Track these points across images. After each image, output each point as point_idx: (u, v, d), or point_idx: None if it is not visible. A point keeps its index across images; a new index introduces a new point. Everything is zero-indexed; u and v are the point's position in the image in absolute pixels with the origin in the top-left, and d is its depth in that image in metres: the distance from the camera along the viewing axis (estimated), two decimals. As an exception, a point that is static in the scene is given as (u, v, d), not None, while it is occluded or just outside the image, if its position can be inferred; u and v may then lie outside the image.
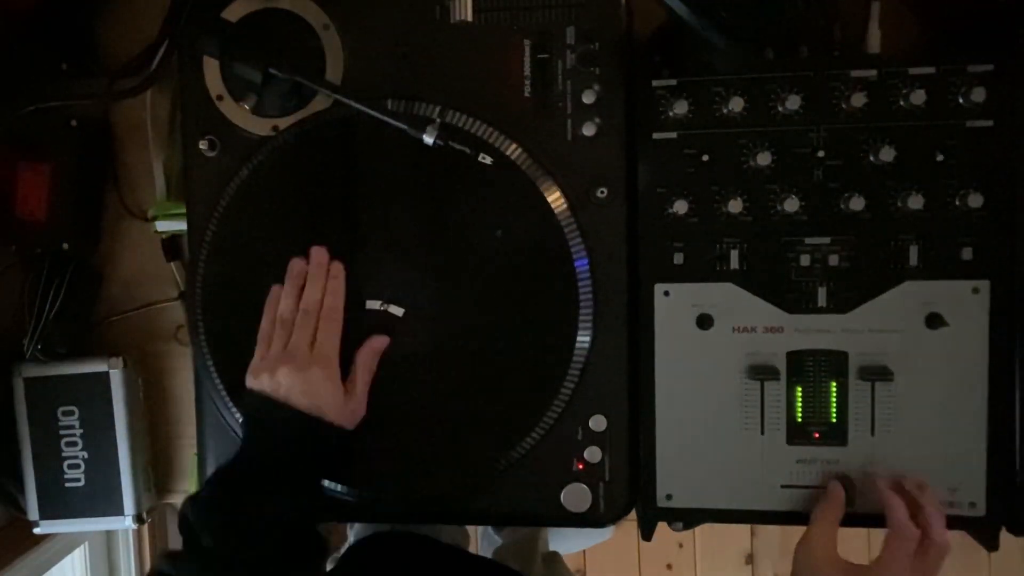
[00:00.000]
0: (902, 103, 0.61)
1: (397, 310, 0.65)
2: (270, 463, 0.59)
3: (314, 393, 0.60)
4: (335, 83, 0.66)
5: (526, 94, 0.65)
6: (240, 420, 0.66)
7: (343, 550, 0.89)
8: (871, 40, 0.67)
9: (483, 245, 0.64)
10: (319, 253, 0.65)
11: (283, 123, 0.67)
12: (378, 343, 0.65)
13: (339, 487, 0.67)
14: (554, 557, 1.23)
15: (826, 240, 0.63)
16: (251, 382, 0.62)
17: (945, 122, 0.61)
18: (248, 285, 0.68)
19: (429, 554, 0.82)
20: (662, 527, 0.66)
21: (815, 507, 0.62)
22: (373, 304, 0.65)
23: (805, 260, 0.63)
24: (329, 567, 0.84)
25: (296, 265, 0.65)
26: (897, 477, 0.61)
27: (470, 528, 1.32)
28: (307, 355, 0.61)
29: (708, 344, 0.64)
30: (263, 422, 0.60)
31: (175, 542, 1.11)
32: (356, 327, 0.64)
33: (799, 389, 0.63)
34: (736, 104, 0.62)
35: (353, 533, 0.93)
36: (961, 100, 0.60)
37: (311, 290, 0.63)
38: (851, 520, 0.62)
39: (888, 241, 0.62)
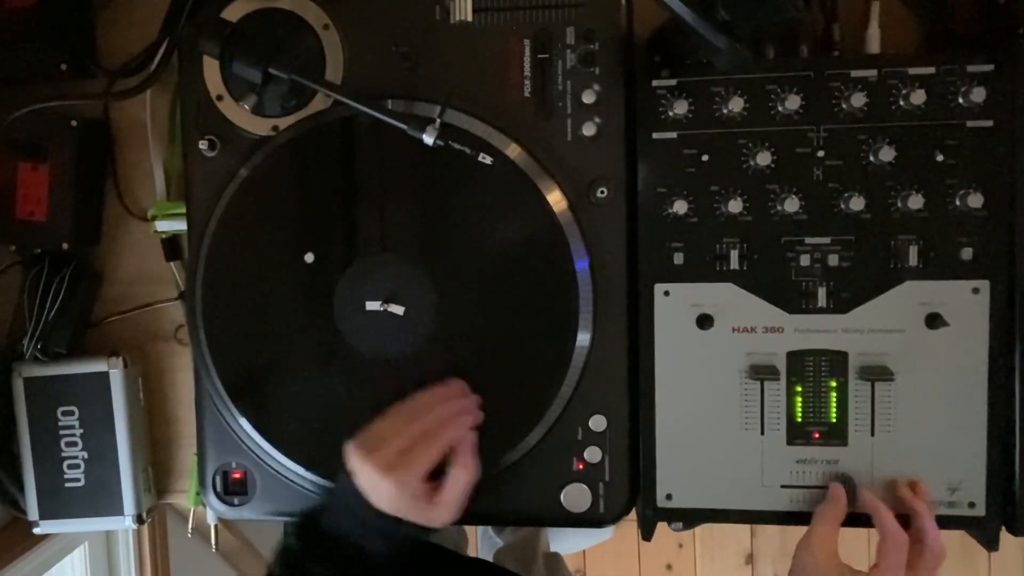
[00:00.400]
0: (902, 103, 0.61)
1: (397, 309, 0.65)
2: (344, 545, 0.58)
3: (385, 499, 0.57)
4: (335, 83, 0.66)
5: (526, 94, 0.65)
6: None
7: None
8: (871, 40, 0.67)
9: (483, 245, 0.64)
10: (472, 397, 0.64)
11: (283, 123, 0.67)
12: (471, 440, 0.61)
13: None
14: (555, 558, 1.24)
15: (826, 240, 0.63)
16: (350, 449, 0.59)
17: (945, 122, 0.61)
18: (248, 285, 0.68)
19: (427, 558, 0.82)
20: (662, 527, 0.66)
21: (816, 509, 0.62)
22: (373, 305, 0.65)
23: (805, 260, 0.63)
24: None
25: (455, 385, 0.64)
26: (889, 482, 0.61)
27: (470, 529, 1.32)
28: (389, 461, 0.57)
29: (708, 344, 0.64)
30: (343, 499, 0.59)
31: (175, 542, 1.11)
32: (363, 338, 0.64)
33: (799, 389, 0.63)
34: (736, 104, 0.62)
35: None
36: (961, 100, 0.61)
37: (442, 408, 0.61)
38: (852, 520, 0.62)
39: (888, 241, 0.62)
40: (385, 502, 0.57)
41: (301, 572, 0.58)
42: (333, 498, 0.61)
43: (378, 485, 0.57)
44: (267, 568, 0.60)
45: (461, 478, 0.59)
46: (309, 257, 0.66)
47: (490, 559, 1.24)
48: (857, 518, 0.62)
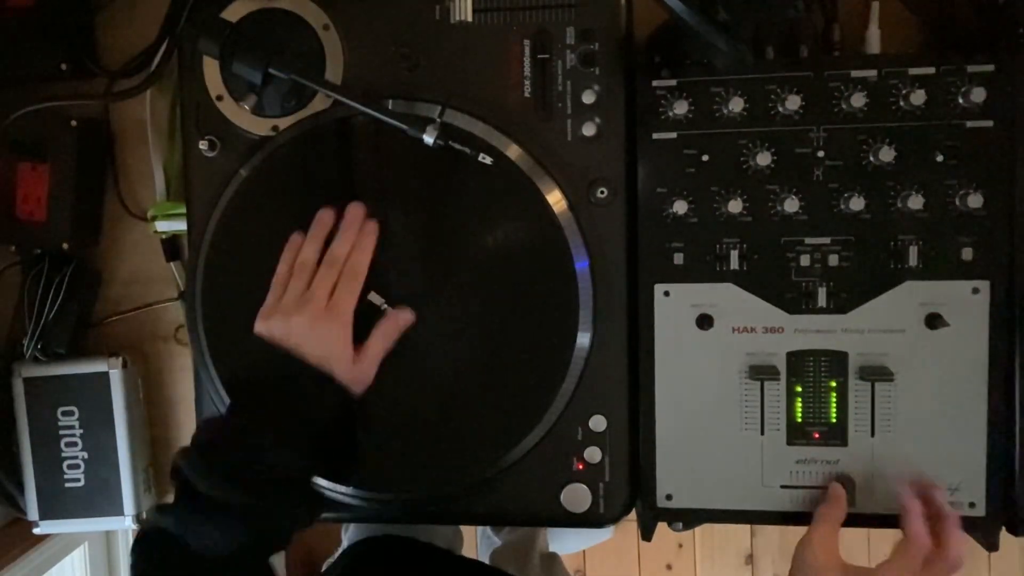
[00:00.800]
0: (902, 103, 0.61)
1: (398, 331, 0.64)
2: (273, 411, 0.57)
3: (326, 348, 0.58)
4: (335, 83, 0.66)
5: (526, 94, 0.65)
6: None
7: (337, 554, 0.89)
8: (871, 40, 0.67)
9: (483, 245, 0.64)
10: (355, 207, 0.62)
11: (283, 123, 0.67)
12: (404, 318, 0.63)
13: (338, 487, 0.67)
14: (552, 558, 1.24)
15: (826, 240, 0.63)
16: (260, 326, 0.60)
17: (945, 122, 0.61)
18: (248, 285, 0.68)
19: (423, 559, 0.82)
20: (662, 527, 0.66)
21: (817, 508, 0.62)
22: (376, 299, 0.65)
23: (805, 260, 0.63)
24: (324, 570, 0.84)
25: (325, 214, 0.62)
26: (921, 480, 0.60)
27: (469, 529, 1.32)
28: (323, 308, 0.58)
29: (708, 344, 0.64)
30: (267, 368, 0.58)
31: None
32: (356, 329, 0.64)
33: (799, 389, 0.63)
34: (736, 104, 0.62)
35: (347, 537, 0.93)
36: (961, 100, 0.61)
37: (340, 242, 0.61)
38: (852, 520, 0.61)
39: (888, 241, 0.62)
40: (323, 350, 0.57)
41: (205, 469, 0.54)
42: (251, 374, 0.59)
43: (317, 333, 0.57)
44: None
45: (379, 344, 0.61)
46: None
47: (487, 559, 1.24)
48: (857, 518, 0.62)
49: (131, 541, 1.03)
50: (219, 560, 0.53)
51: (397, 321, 0.63)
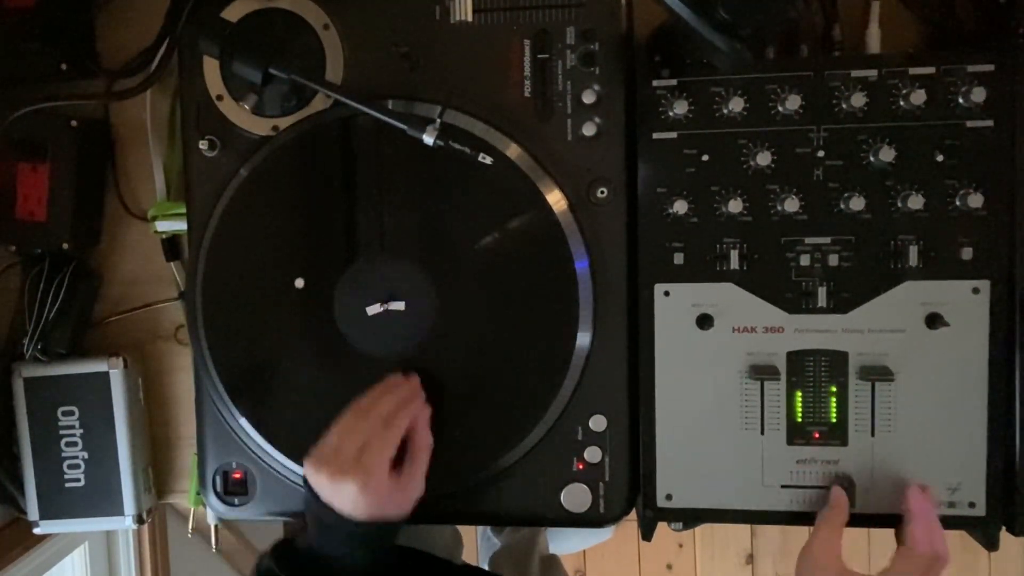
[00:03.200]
0: (902, 103, 0.61)
1: (398, 305, 0.64)
2: (322, 559, 0.59)
3: (350, 502, 0.58)
4: (335, 83, 0.66)
5: (526, 94, 0.65)
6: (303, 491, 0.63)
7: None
8: (871, 40, 0.67)
9: (483, 245, 0.64)
10: (413, 379, 0.64)
11: (283, 123, 0.67)
12: (425, 416, 0.63)
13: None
14: (552, 560, 1.23)
15: (826, 240, 0.63)
16: (307, 468, 0.59)
17: (945, 122, 0.61)
18: (248, 285, 0.68)
19: (422, 567, 0.82)
20: (662, 527, 0.66)
21: (818, 514, 0.62)
22: (374, 309, 0.65)
23: (805, 260, 0.63)
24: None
25: (395, 379, 0.64)
26: (913, 482, 0.61)
27: (469, 530, 1.32)
28: (348, 464, 0.58)
29: (708, 344, 0.64)
30: (315, 516, 0.59)
31: (175, 542, 1.11)
32: (363, 338, 0.64)
33: (799, 389, 0.63)
34: (736, 104, 0.62)
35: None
36: (961, 100, 0.61)
37: (385, 401, 0.61)
38: (852, 520, 0.61)
39: (888, 241, 0.62)
40: (352, 506, 0.57)
41: None
42: (307, 518, 0.61)
43: (341, 491, 0.57)
44: None
45: (420, 456, 0.61)
46: (299, 283, 0.66)
47: (487, 561, 1.24)
48: (857, 518, 0.62)
49: (131, 541, 1.03)
50: None
51: (423, 424, 0.62)
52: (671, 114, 0.63)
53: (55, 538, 0.83)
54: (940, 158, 0.61)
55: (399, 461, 0.60)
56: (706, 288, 0.64)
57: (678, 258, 0.64)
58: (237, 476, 0.70)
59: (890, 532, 0.62)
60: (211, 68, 0.67)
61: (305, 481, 0.60)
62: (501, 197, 0.64)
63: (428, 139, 0.60)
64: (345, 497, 0.57)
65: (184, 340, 0.78)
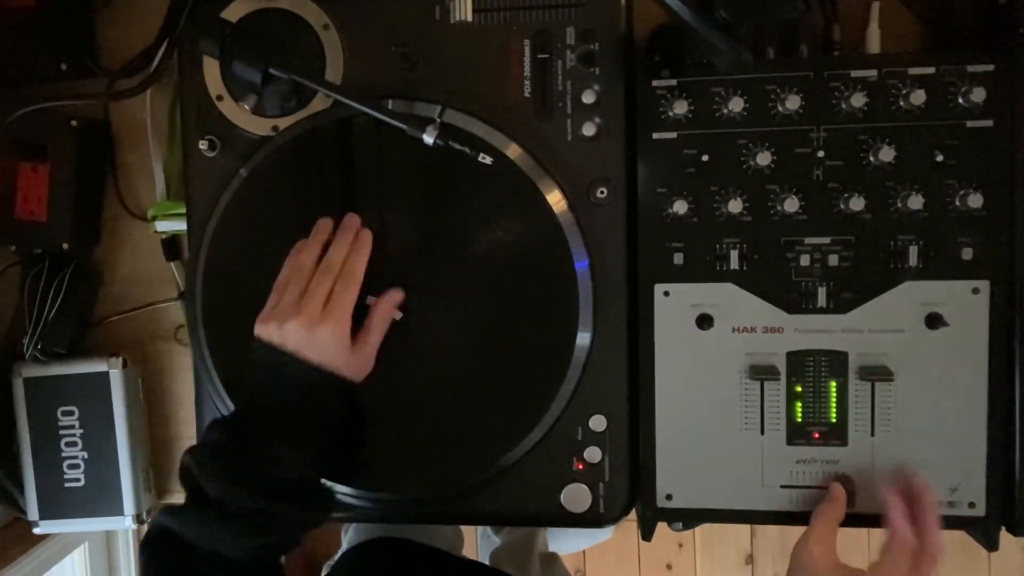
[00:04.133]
0: (902, 103, 0.61)
1: (396, 314, 0.64)
2: (277, 414, 0.58)
3: (321, 350, 0.58)
4: (335, 83, 0.66)
5: (526, 94, 0.65)
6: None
7: (337, 556, 0.89)
8: (871, 40, 0.67)
9: (483, 245, 0.64)
10: (352, 216, 0.64)
11: (283, 123, 0.67)
12: (395, 296, 0.64)
13: (339, 487, 0.66)
14: (552, 558, 1.24)
15: (826, 240, 0.63)
16: (259, 330, 0.60)
17: (945, 122, 0.61)
18: (248, 285, 0.68)
19: (424, 561, 0.82)
20: (662, 527, 0.66)
21: (816, 508, 0.62)
22: (372, 301, 0.65)
23: (805, 260, 0.63)
24: (324, 572, 0.84)
25: (323, 223, 0.63)
26: (904, 473, 0.61)
27: (468, 529, 1.32)
28: (319, 311, 0.59)
29: (708, 344, 0.64)
30: (270, 372, 0.59)
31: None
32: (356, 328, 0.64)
33: (799, 389, 0.63)
34: (736, 104, 0.62)
35: (347, 539, 0.93)
36: (961, 100, 0.61)
37: (336, 247, 0.62)
38: (851, 520, 0.62)
39: (888, 241, 0.62)
40: (320, 353, 0.58)
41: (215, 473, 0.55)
42: (255, 376, 0.60)
43: (314, 336, 0.58)
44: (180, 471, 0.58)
45: (377, 324, 0.62)
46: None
47: (487, 560, 1.24)
48: (856, 518, 0.62)
49: (131, 541, 1.04)
50: (230, 563, 0.54)
51: (389, 301, 0.64)
52: (671, 114, 0.63)
53: (55, 538, 0.83)
54: (940, 158, 0.61)
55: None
56: (706, 288, 0.64)
57: (678, 258, 0.64)
58: (237, 476, 0.70)
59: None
60: (211, 68, 0.67)
61: (256, 340, 0.60)
62: (501, 197, 0.64)
63: (428, 139, 0.60)
64: (318, 343, 0.58)
65: (184, 340, 0.78)
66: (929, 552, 0.57)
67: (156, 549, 0.55)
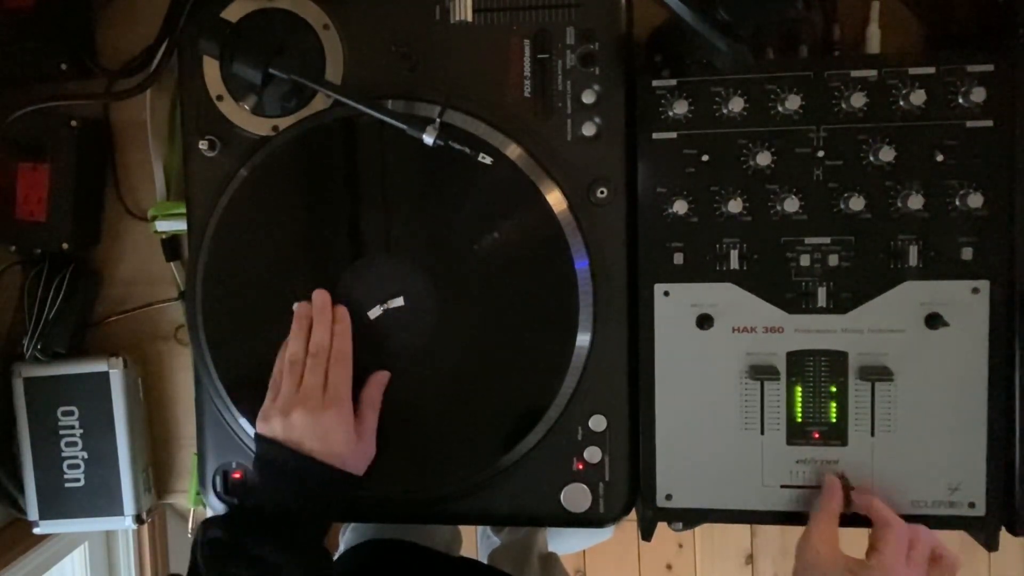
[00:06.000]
0: (902, 103, 0.61)
1: (397, 301, 0.64)
2: (278, 518, 0.58)
3: (328, 437, 0.59)
4: (335, 83, 0.66)
5: (526, 94, 0.65)
6: (253, 455, 0.64)
7: (335, 557, 0.89)
8: (871, 40, 0.67)
9: (483, 245, 0.64)
10: (320, 296, 0.64)
11: (283, 123, 0.67)
12: (380, 378, 0.64)
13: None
14: (551, 559, 1.23)
15: (826, 240, 0.63)
16: (262, 427, 0.61)
17: (945, 122, 0.61)
18: (248, 285, 0.68)
19: (422, 562, 0.82)
20: (662, 527, 0.66)
21: (814, 503, 0.62)
22: (375, 311, 0.65)
23: (805, 260, 0.63)
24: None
25: (302, 309, 0.64)
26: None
27: (469, 530, 1.32)
28: (320, 398, 0.60)
29: (708, 344, 0.64)
30: (275, 468, 0.59)
31: (175, 542, 1.11)
32: (363, 338, 0.64)
33: (799, 389, 0.63)
34: (736, 104, 0.62)
35: (344, 540, 0.93)
36: (961, 100, 0.61)
37: (319, 333, 0.62)
38: (852, 520, 0.61)
39: (888, 241, 0.62)
40: (327, 440, 0.58)
41: (232, 559, 0.56)
42: (259, 474, 0.60)
43: (320, 424, 0.58)
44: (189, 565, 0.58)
45: (371, 413, 0.63)
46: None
47: (486, 560, 1.24)
48: (857, 518, 0.62)
49: (131, 541, 1.04)
50: None
51: (375, 384, 0.64)
52: (671, 114, 0.63)
53: (55, 538, 0.83)
54: (940, 158, 0.61)
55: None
56: (706, 288, 0.64)
57: (678, 258, 0.64)
58: (237, 476, 0.70)
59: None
60: (211, 68, 0.67)
61: (259, 438, 0.60)
62: (501, 197, 0.64)
63: (428, 139, 0.60)
64: (324, 431, 0.59)
65: (184, 340, 0.78)
66: (920, 534, 0.58)
67: None
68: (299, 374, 0.61)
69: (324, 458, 0.59)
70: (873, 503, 0.60)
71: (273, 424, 0.60)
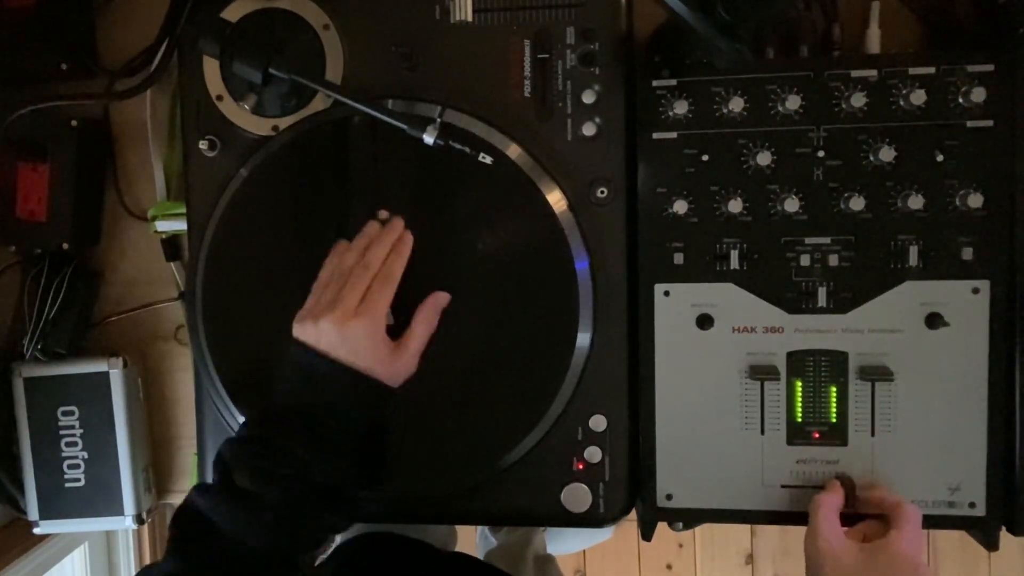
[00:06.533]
0: (902, 103, 0.61)
1: (388, 319, 0.64)
2: (303, 419, 0.57)
3: (354, 348, 0.58)
4: (335, 83, 0.66)
5: (526, 94, 0.65)
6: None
7: (330, 550, 0.89)
8: (871, 40, 0.67)
9: (483, 245, 0.64)
10: (398, 220, 0.64)
11: (283, 123, 0.67)
12: (440, 299, 0.63)
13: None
14: (547, 560, 1.23)
15: (826, 240, 0.63)
16: (296, 330, 0.60)
17: (945, 122, 0.61)
18: (248, 285, 0.68)
19: (417, 555, 0.83)
20: (662, 527, 0.66)
21: (813, 499, 0.61)
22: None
23: (805, 260, 0.63)
24: (317, 563, 0.84)
25: (371, 226, 0.64)
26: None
27: (467, 530, 1.32)
28: (353, 308, 0.59)
29: (708, 344, 0.64)
30: (300, 373, 0.59)
31: (175, 542, 1.10)
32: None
33: (799, 389, 0.63)
34: (736, 104, 0.62)
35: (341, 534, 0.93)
36: (961, 100, 0.61)
37: (376, 248, 0.61)
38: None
39: (888, 241, 0.62)
40: (354, 352, 0.58)
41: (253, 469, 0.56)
42: (289, 376, 0.60)
43: (347, 333, 0.58)
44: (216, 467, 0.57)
45: (419, 329, 0.62)
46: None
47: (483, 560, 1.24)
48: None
49: (131, 541, 1.03)
50: (248, 551, 0.54)
51: (435, 303, 0.63)
52: (671, 114, 0.63)
53: (55, 538, 0.83)
54: (940, 158, 0.61)
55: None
56: (706, 288, 0.64)
57: (678, 258, 0.64)
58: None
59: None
60: (211, 68, 0.67)
61: (293, 341, 0.60)
62: (501, 197, 0.64)
63: (428, 139, 0.60)
64: (352, 341, 0.58)
65: (184, 340, 0.78)
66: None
67: (183, 523, 0.56)
68: (343, 282, 0.60)
69: (352, 366, 0.58)
70: (878, 491, 0.60)
71: (305, 327, 0.59)
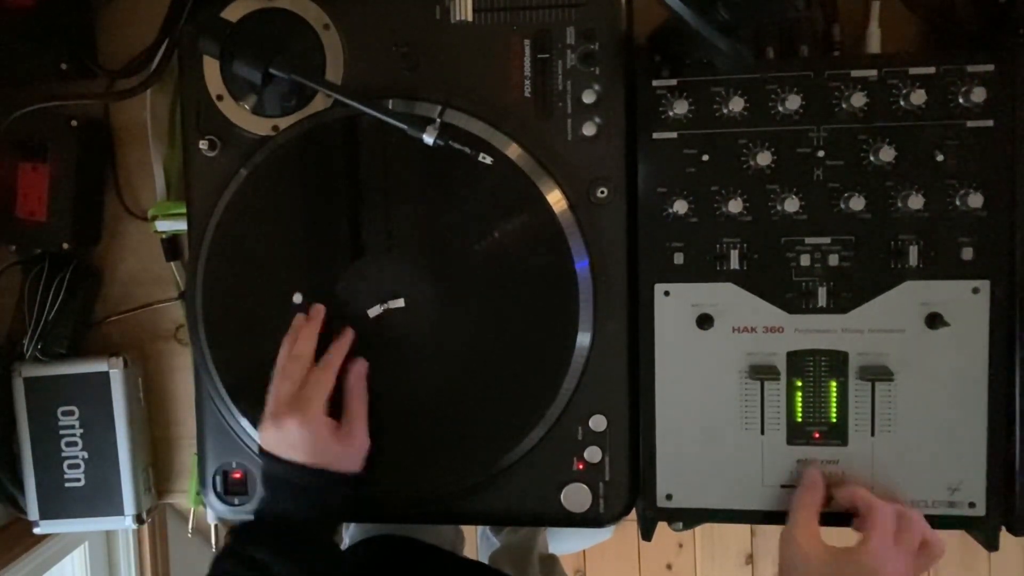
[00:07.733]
0: (902, 103, 0.61)
1: (397, 303, 0.64)
2: (281, 522, 0.60)
3: (305, 444, 0.60)
4: (335, 83, 0.66)
5: (526, 94, 0.65)
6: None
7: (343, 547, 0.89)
8: (871, 40, 0.67)
9: (483, 245, 0.64)
10: (315, 309, 0.65)
11: (283, 123, 0.67)
12: (358, 368, 0.64)
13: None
14: (552, 560, 1.23)
15: (826, 240, 0.63)
16: (260, 438, 0.63)
17: (945, 122, 0.61)
18: (248, 285, 0.68)
19: (426, 559, 0.82)
20: (662, 527, 0.66)
21: (793, 497, 0.62)
22: (375, 310, 0.65)
23: (805, 260, 0.63)
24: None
25: (298, 320, 0.65)
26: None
27: (469, 530, 1.32)
28: (286, 406, 0.61)
29: (708, 344, 0.64)
30: (272, 479, 0.61)
31: (175, 542, 1.11)
32: (363, 337, 0.65)
33: (799, 389, 0.63)
34: (736, 104, 0.62)
35: (348, 536, 0.93)
36: (961, 100, 0.61)
37: (301, 342, 0.63)
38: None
39: (888, 241, 0.62)
40: (292, 447, 0.59)
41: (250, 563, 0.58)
42: (262, 486, 0.63)
43: (283, 433, 0.60)
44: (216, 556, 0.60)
45: (355, 405, 0.63)
46: (297, 298, 0.66)
47: (486, 561, 1.24)
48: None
49: (131, 541, 1.04)
50: None
51: (356, 375, 0.64)
52: (671, 114, 0.63)
53: (55, 538, 0.83)
54: (940, 158, 0.61)
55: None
56: (706, 288, 0.64)
57: (678, 258, 0.64)
58: (237, 476, 0.70)
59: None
60: (211, 68, 0.67)
61: (260, 450, 0.62)
62: (501, 197, 0.64)
63: (428, 139, 0.60)
64: (287, 437, 0.59)
65: (184, 340, 0.78)
66: (912, 519, 0.58)
67: None
68: (290, 374, 0.62)
69: (313, 463, 0.60)
70: (856, 492, 0.60)
71: (266, 435, 0.62)
